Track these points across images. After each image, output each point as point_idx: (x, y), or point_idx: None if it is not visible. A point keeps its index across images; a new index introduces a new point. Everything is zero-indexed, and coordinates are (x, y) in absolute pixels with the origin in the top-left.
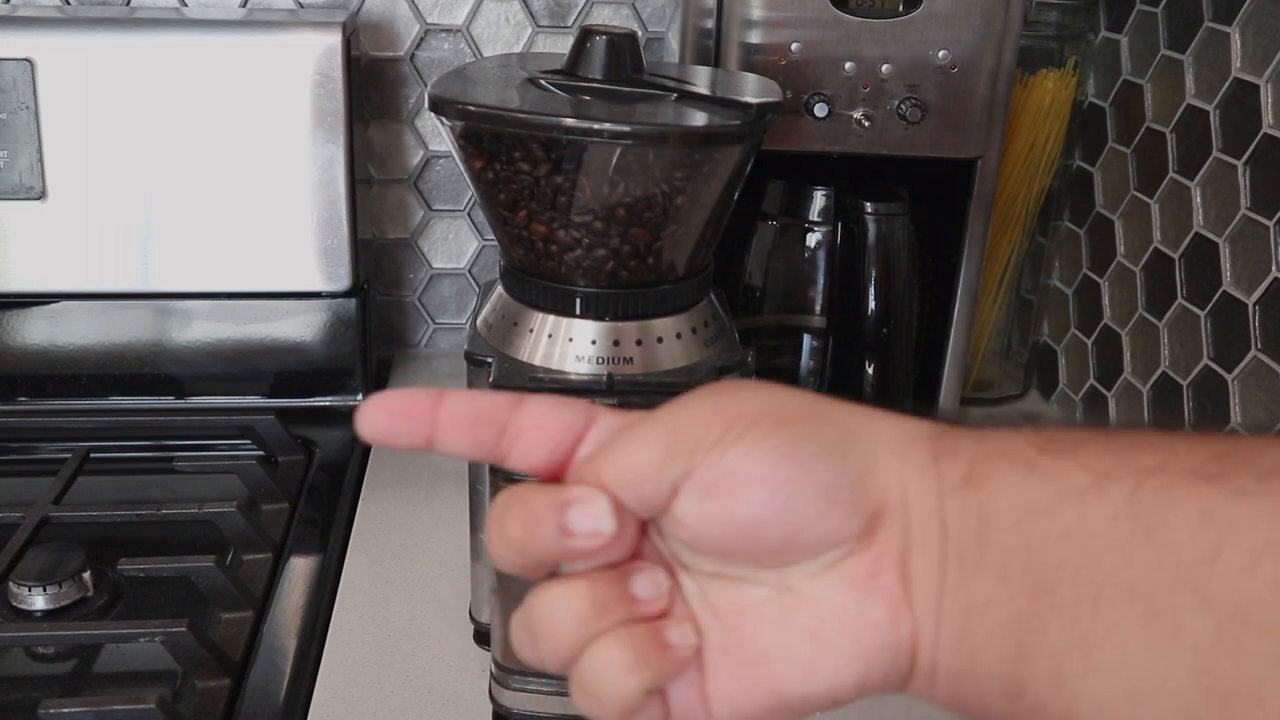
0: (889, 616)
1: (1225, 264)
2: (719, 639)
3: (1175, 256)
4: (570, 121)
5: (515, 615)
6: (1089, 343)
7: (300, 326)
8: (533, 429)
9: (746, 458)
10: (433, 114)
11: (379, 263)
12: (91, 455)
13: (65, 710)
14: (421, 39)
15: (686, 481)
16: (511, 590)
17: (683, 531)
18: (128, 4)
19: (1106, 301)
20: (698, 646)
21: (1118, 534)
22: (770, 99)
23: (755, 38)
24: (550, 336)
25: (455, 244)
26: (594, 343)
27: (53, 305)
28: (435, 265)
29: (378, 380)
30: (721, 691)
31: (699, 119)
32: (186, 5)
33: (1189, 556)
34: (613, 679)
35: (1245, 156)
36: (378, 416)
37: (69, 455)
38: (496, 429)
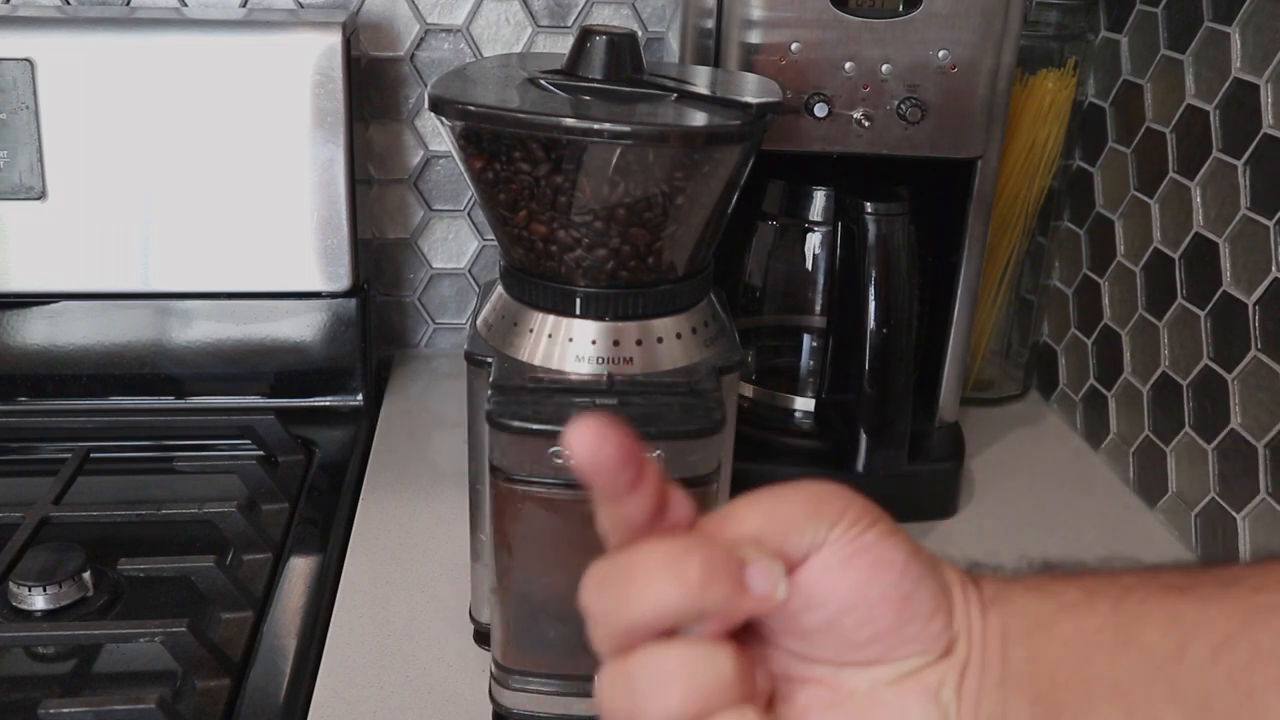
0: None
1: (1225, 264)
2: None
3: (1175, 256)
4: (570, 121)
5: (614, 669)
6: (1089, 343)
7: (300, 326)
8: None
9: (883, 543)
10: (433, 114)
11: (379, 263)
12: (91, 455)
13: (65, 710)
14: (421, 39)
15: (821, 550)
16: (511, 590)
17: (796, 600)
18: (128, 4)
19: (1106, 301)
20: None
21: (1103, 640)
22: (770, 99)
23: (755, 38)
24: (550, 336)
25: (455, 244)
26: (594, 343)
27: (53, 305)
28: (435, 265)
29: (378, 380)
30: None
31: (699, 119)
32: (186, 5)
33: (1160, 655)
34: None
35: (1245, 156)
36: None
37: (69, 455)
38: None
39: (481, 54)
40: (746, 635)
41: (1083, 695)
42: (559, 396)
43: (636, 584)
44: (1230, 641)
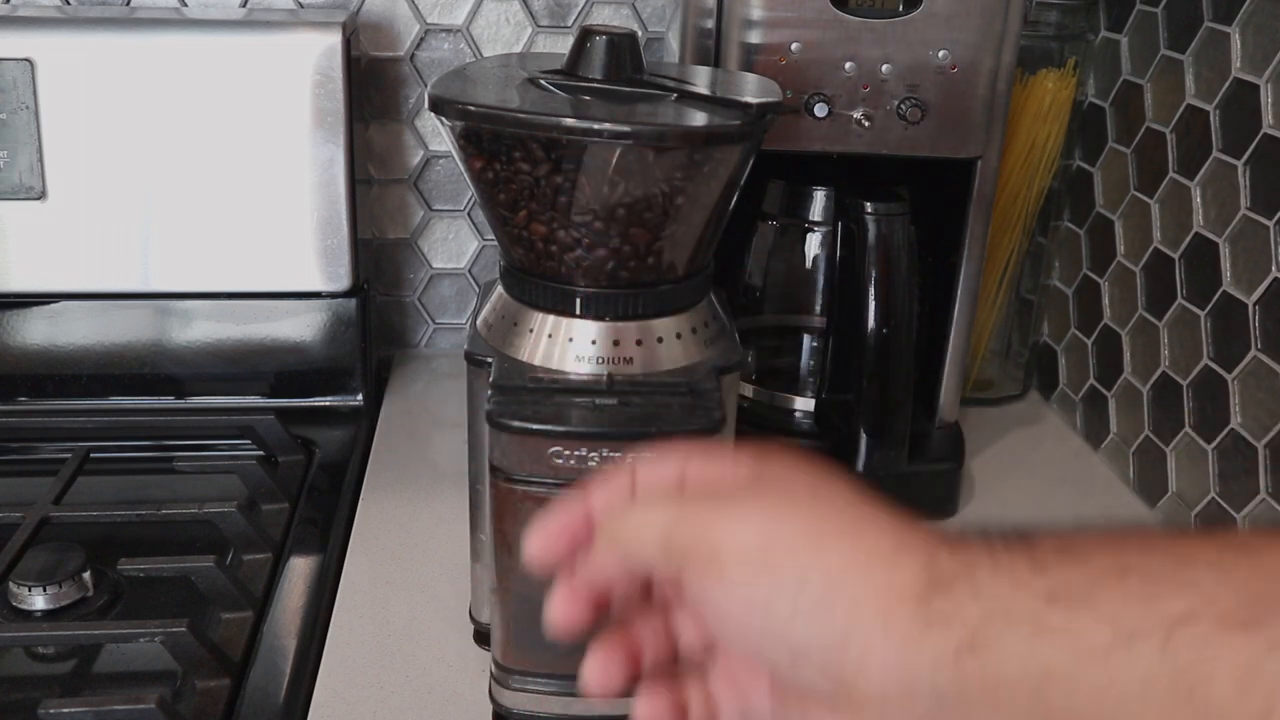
0: None
1: (1225, 264)
2: None
3: (1175, 256)
4: (570, 121)
5: None
6: (1089, 343)
7: (300, 326)
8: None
9: (727, 597)
10: (433, 114)
11: (379, 263)
12: (91, 455)
13: (65, 710)
14: (421, 39)
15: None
16: (511, 590)
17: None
18: (128, 4)
19: (1106, 301)
20: None
21: (1153, 695)
22: (770, 99)
23: (755, 38)
24: (550, 336)
25: (455, 244)
26: (594, 343)
27: (53, 305)
28: (435, 265)
29: (378, 380)
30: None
31: (699, 119)
32: (186, 5)
33: (1236, 715)
34: None
35: (1245, 156)
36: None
37: (69, 455)
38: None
39: (481, 54)
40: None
41: None
42: (559, 396)
43: None
44: None
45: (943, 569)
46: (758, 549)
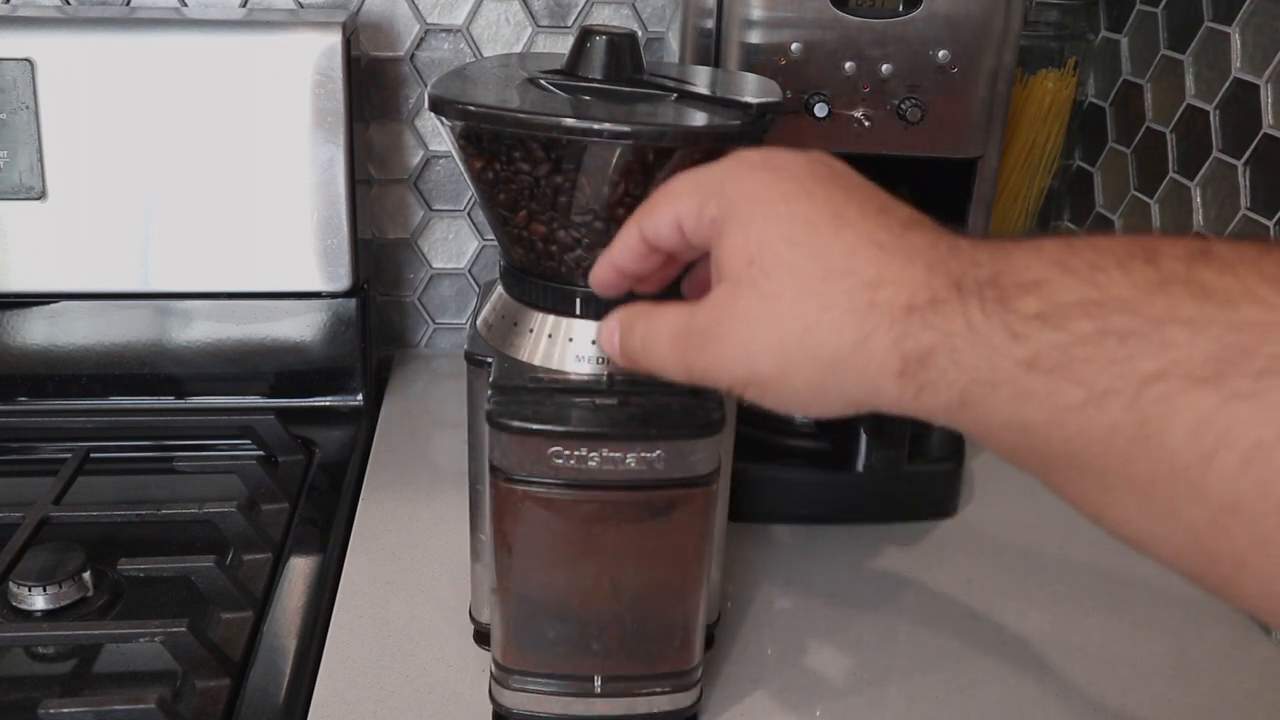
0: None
1: None
2: None
3: None
4: (570, 121)
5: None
6: None
7: (300, 326)
8: None
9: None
10: (433, 114)
11: (379, 263)
12: (91, 455)
13: (65, 710)
14: (421, 39)
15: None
16: (511, 590)
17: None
18: (128, 4)
19: None
20: None
21: (1117, 441)
22: (770, 99)
23: (755, 38)
24: (550, 336)
25: (455, 244)
26: (594, 343)
27: (53, 305)
28: (435, 265)
29: (378, 380)
30: None
31: (699, 119)
32: (186, 5)
33: (1185, 459)
34: None
35: (1245, 156)
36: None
37: (69, 455)
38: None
39: (481, 54)
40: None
41: (1093, 480)
42: (559, 396)
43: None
44: (1263, 450)
45: (919, 343)
46: (746, 381)
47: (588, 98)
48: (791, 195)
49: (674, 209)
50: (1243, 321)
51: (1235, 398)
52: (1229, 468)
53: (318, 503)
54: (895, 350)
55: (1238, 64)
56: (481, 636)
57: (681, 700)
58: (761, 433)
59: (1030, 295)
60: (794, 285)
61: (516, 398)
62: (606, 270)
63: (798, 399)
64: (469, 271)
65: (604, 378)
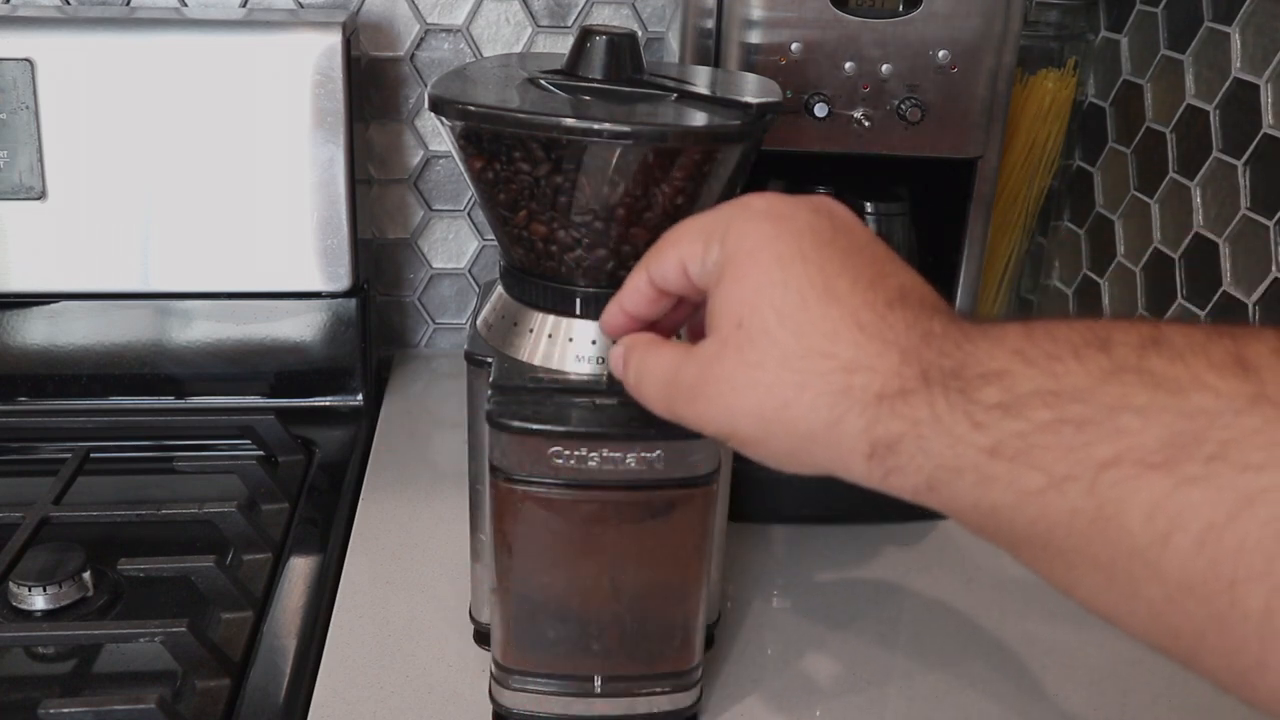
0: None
1: (1225, 264)
2: None
3: (1175, 256)
4: (570, 121)
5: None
6: None
7: (300, 326)
8: None
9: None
10: (433, 114)
11: (379, 263)
12: (91, 455)
13: (65, 710)
14: (421, 39)
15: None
16: (511, 590)
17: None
18: (128, 4)
19: (1106, 301)
20: None
21: (1078, 523)
22: (770, 99)
23: (755, 38)
24: (550, 336)
25: (455, 244)
26: (594, 343)
27: (53, 305)
28: (435, 265)
29: (378, 380)
30: None
31: (699, 119)
32: (186, 5)
33: (1142, 541)
34: None
35: (1245, 156)
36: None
37: (69, 455)
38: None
39: (481, 54)
40: None
41: (1059, 560)
42: (559, 396)
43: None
44: (1215, 533)
45: (888, 430)
46: (729, 438)
47: (588, 98)
48: (787, 258)
49: (679, 252)
50: (1192, 409)
51: (1186, 482)
52: (1183, 549)
53: (318, 503)
54: (865, 435)
55: (1238, 64)
56: (481, 636)
57: (681, 700)
58: None
59: (991, 385)
60: (776, 359)
61: (516, 398)
62: (616, 315)
63: (776, 460)
64: (469, 271)
65: (604, 378)
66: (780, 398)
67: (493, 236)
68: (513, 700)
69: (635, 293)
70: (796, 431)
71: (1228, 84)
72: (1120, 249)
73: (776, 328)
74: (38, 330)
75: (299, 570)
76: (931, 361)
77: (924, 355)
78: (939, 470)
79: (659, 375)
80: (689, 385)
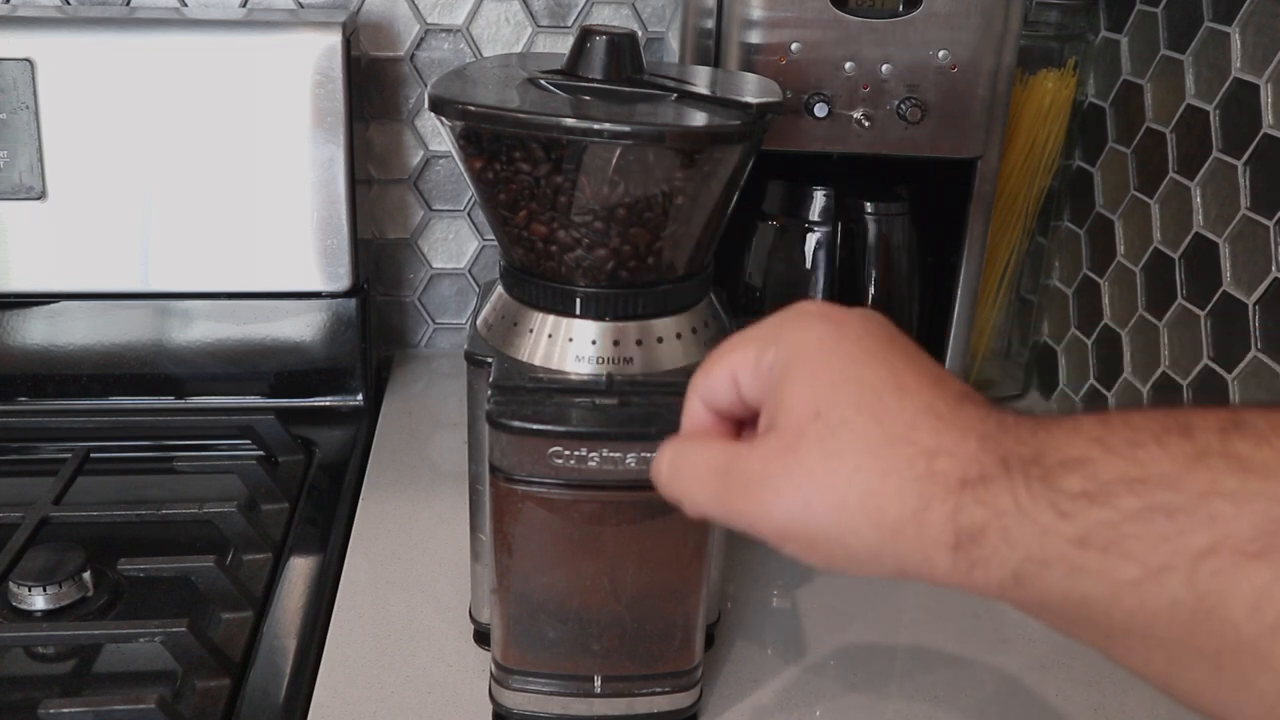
0: None
1: (1225, 264)
2: None
3: (1175, 256)
4: (570, 121)
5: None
6: (1089, 343)
7: (300, 326)
8: None
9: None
10: (433, 114)
11: (379, 263)
12: (91, 455)
13: (65, 710)
14: (421, 39)
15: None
16: (511, 590)
17: None
18: (128, 4)
19: (1106, 301)
20: None
21: (1179, 614)
22: (770, 99)
23: (755, 38)
24: (550, 336)
25: (455, 244)
26: (594, 343)
27: (53, 305)
28: (435, 265)
29: (378, 380)
30: None
31: (699, 119)
32: (186, 5)
33: (1249, 633)
34: None
35: (1245, 156)
36: None
37: (69, 455)
38: None
39: (481, 54)
40: None
41: (1159, 652)
42: (559, 396)
43: None
44: None
45: (972, 519)
46: (797, 536)
47: (588, 98)
48: (857, 358)
49: (728, 362)
50: (1273, 489)
51: None
52: None
53: (318, 503)
54: (950, 523)
55: (1238, 64)
56: (481, 636)
57: (681, 700)
58: None
59: (1074, 473)
60: (859, 448)
61: (516, 398)
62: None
63: (851, 561)
64: (469, 271)
65: (604, 378)
66: (865, 486)
67: (493, 236)
68: (513, 700)
69: (691, 421)
70: (883, 524)
71: (1228, 84)
72: (1120, 249)
73: (856, 417)
74: (38, 330)
75: (299, 570)
76: (1010, 449)
77: (1002, 442)
78: (1026, 563)
79: (708, 465)
80: (751, 477)
